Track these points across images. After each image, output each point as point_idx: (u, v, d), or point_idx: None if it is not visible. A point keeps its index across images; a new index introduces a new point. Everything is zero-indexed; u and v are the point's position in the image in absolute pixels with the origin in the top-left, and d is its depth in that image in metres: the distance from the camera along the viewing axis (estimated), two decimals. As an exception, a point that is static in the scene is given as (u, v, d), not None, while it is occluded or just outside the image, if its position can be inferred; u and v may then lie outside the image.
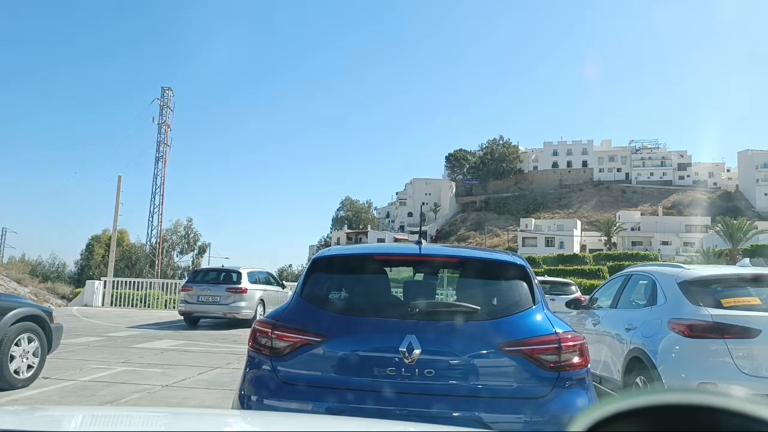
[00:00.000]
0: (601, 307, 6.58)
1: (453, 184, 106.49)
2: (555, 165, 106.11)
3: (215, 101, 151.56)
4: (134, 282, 22.14)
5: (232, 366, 8.04)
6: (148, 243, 51.34)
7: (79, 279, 45.25)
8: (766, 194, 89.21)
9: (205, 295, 13.84)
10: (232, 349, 9.98)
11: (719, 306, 4.61)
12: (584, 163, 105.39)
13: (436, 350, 2.81)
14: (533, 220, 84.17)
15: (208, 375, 7.43)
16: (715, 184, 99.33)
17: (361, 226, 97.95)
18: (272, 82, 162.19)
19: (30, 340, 6.29)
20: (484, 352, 2.82)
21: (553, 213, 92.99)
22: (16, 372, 6.08)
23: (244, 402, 2.92)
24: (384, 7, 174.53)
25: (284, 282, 17.26)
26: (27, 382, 6.21)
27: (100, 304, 20.30)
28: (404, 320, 2.90)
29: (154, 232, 50.79)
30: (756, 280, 4.90)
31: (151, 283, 22.51)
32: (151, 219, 50.83)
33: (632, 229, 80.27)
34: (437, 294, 4.21)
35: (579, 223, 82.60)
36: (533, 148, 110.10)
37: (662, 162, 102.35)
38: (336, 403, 2.76)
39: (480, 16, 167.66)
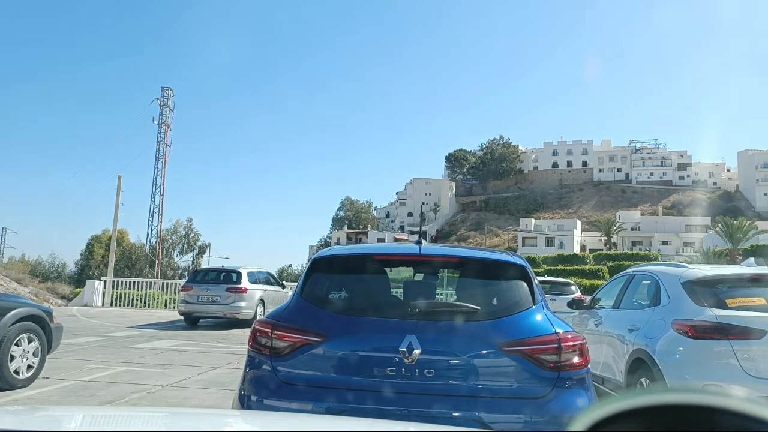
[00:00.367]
0: (604, 308, 6.48)
1: (453, 184, 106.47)
2: (555, 165, 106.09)
3: (215, 101, 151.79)
4: (134, 282, 22.15)
5: (232, 366, 8.04)
6: (148, 243, 51.28)
7: (79, 279, 45.26)
8: (766, 194, 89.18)
9: (205, 295, 13.84)
10: (232, 349, 9.98)
11: (724, 306, 4.51)
12: (584, 163, 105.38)
13: (436, 350, 2.81)
14: (533, 220, 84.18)
15: (208, 375, 7.43)
16: (715, 184, 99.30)
17: (361, 226, 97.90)
18: (272, 82, 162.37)
19: (30, 340, 6.28)
20: (484, 352, 2.82)
21: (553, 213, 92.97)
22: (16, 372, 6.08)
23: (244, 402, 2.92)
24: (384, 7, 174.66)
25: (284, 282, 17.26)
26: (27, 382, 6.21)
27: (100, 304, 20.30)
28: (404, 320, 2.90)
29: (154, 232, 50.74)
30: (761, 280, 4.79)
31: (151, 283, 22.52)
32: (151, 219, 50.79)
33: (632, 229, 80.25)
34: (437, 294, 4.20)
35: (579, 223, 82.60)
36: (533, 148, 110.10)
37: (662, 162, 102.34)
38: (336, 403, 2.76)
39: (480, 17, 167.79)
